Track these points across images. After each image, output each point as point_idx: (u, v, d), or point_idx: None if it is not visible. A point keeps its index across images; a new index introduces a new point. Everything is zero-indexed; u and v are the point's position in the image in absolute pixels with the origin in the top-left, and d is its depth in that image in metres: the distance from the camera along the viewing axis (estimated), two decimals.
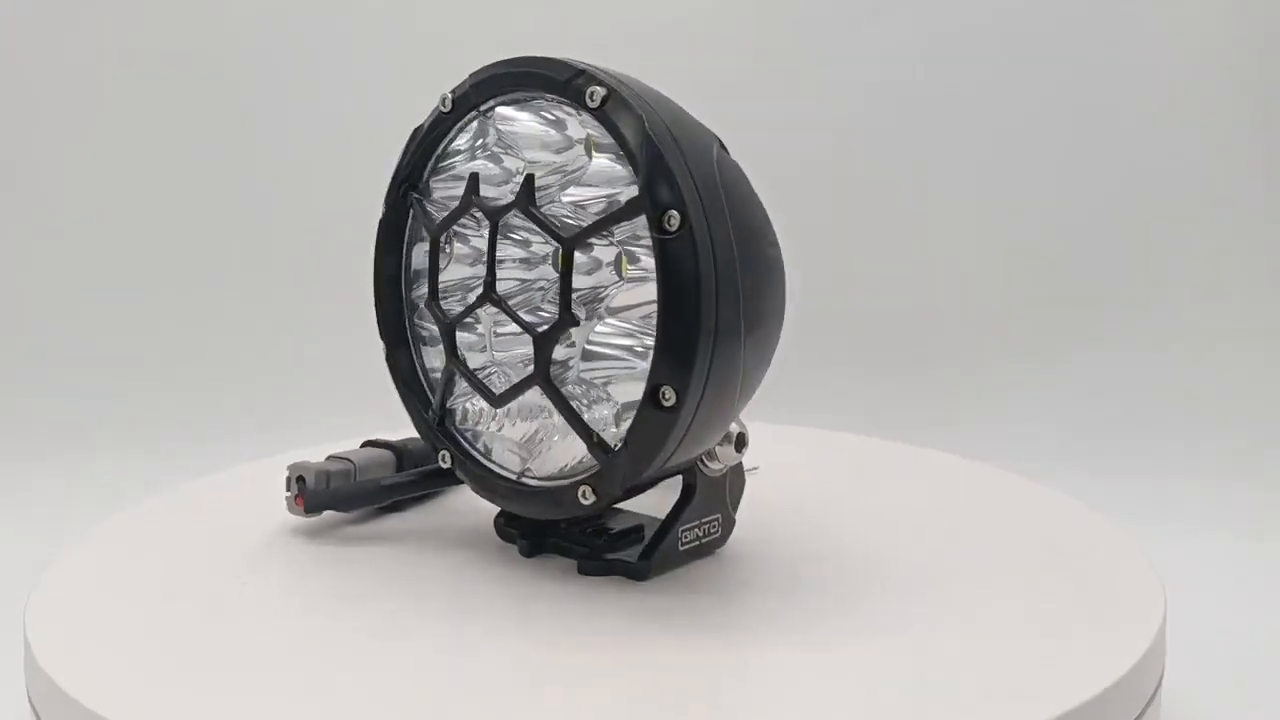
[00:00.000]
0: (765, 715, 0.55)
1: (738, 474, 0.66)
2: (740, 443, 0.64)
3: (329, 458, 0.72)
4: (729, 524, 0.67)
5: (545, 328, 0.61)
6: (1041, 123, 1.17)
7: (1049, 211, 1.18)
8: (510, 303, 0.63)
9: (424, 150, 0.66)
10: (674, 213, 0.57)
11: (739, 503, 0.67)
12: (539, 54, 0.61)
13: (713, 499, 0.65)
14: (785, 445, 0.79)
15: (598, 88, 0.59)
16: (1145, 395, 1.12)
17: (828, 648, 0.60)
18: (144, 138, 1.17)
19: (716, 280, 0.57)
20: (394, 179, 0.66)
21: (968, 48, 1.17)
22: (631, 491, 0.62)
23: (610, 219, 0.59)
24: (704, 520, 0.65)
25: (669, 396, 0.57)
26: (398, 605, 0.63)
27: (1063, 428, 1.10)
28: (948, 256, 1.18)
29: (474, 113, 0.64)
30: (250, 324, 1.16)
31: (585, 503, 0.61)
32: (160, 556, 0.69)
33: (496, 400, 0.63)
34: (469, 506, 0.70)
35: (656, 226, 0.57)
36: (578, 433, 0.61)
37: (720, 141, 0.60)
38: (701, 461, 0.64)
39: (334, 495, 0.70)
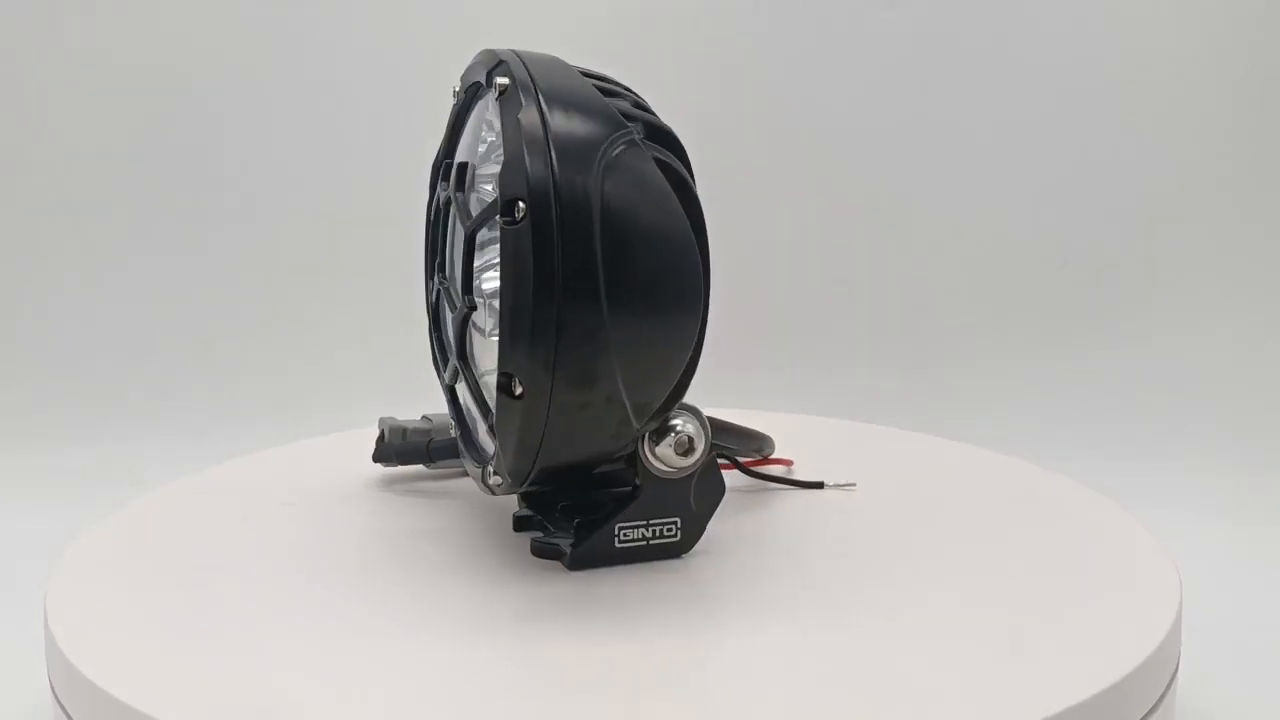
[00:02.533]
0: (764, 712, 0.55)
1: (709, 479, 0.65)
2: (682, 446, 0.63)
3: (421, 417, 0.76)
4: (694, 529, 0.65)
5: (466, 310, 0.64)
6: (1044, 115, 1.17)
7: (1055, 200, 1.17)
8: None
9: (449, 136, 0.69)
10: (522, 203, 0.57)
11: (712, 509, 0.66)
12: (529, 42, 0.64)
13: (667, 501, 0.64)
14: (792, 434, 0.78)
15: (502, 79, 0.60)
16: (1156, 384, 1.11)
17: (832, 637, 0.60)
18: (168, 123, 1.17)
19: (562, 274, 0.57)
20: (432, 165, 0.70)
21: (971, 40, 1.17)
22: (548, 480, 0.62)
23: (491, 208, 0.61)
24: (653, 521, 0.65)
25: (517, 386, 0.58)
26: (384, 591, 0.64)
27: (1074, 416, 1.10)
28: (951, 249, 1.18)
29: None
30: (274, 308, 1.16)
31: (491, 485, 0.62)
32: (180, 541, 0.70)
33: (443, 380, 0.66)
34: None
35: (506, 215, 0.57)
36: (480, 415, 0.63)
37: (637, 138, 0.60)
38: (646, 460, 0.63)
39: (396, 450, 0.75)
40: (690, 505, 0.65)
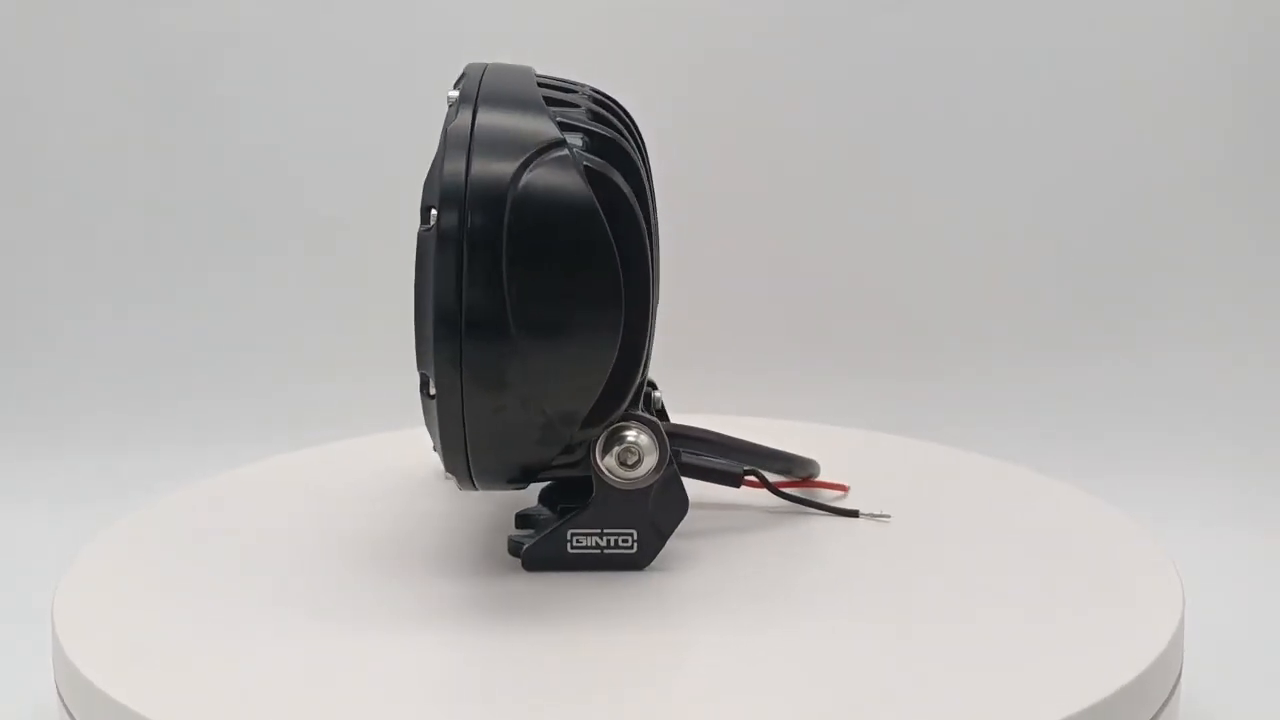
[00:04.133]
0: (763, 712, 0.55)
1: (669, 494, 0.65)
2: (629, 458, 0.63)
3: None
4: (652, 543, 0.65)
5: None
6: (1049, 123, 1.17)
7: (1062, 206, 1.17)
8: None
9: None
10: (434, 210, 0.59)
11: (672, 525, 0.65)
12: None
13: (623, 511, 0.64)
14: (794, 441, 0.79)
15: (452, 92, 0.62)
16: (1158, 391, 1.11)
17: (827, 642, 0.60)
18: (174, 128, 1.17)
19: (468, 280, 0.58)
20: None
21: (980, 41, 1.17)
22: (513, 480, 0.64)
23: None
24: (608, 530, 0.65)
25: (431, 387, 0.60)
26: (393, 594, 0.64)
27: (1076, 423, 1.10)
28: (956, 255, 1.18)
29: None
30: (284, 318, 1.16)
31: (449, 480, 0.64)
32: (187, 548, 0.70)
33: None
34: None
35: (423, 222, 0.59)
36: None
37: (570, 150, 0.60)
38: (596, 468, 0.63)
39: None
40: (648, 518, 0.65)
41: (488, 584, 0.65)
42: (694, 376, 0.89)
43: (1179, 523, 0.89)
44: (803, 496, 0.74)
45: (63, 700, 0.60)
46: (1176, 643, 0.60)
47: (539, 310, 0.59)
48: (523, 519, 0.68)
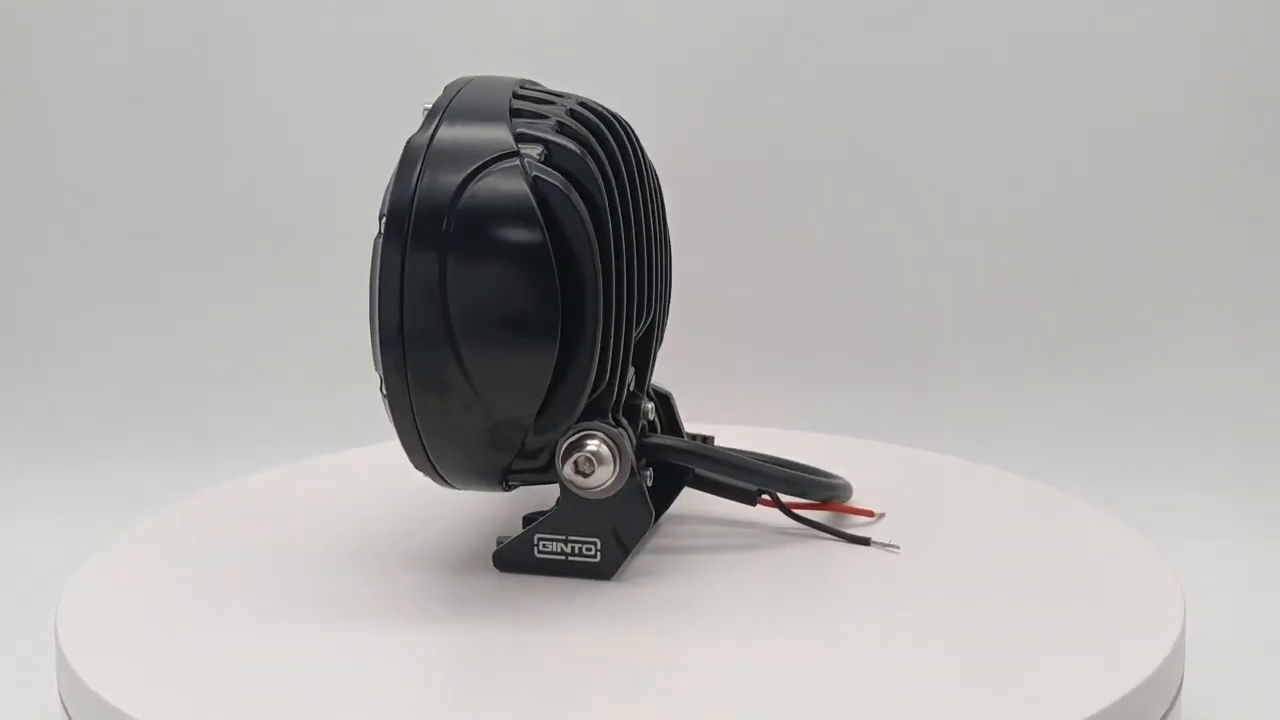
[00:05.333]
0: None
1: (629, 504, 0.65)
2: (583, 467, 0.63)
3: None
4: (615, 554, 0.65)
5: None
6: (1052, 132, 1.17)
7: (1064, 221, 1.17)
8: None
9: None
10: (384, 218, 0.61)
11: (635, 537, 0.65)
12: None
13: (586, 519, 0.65)
14: (793, 451, 0.79)
15: (427, 105, 0.64)
16: (1161, 403, 1.11)
17: (835, 648, 0.60)
18: (176, 134, 1.17)
19: (410, 285, 0.60)
20: None
21: (987, 53, 1.17)
22: (463, 481, 0.65)
23: None
24: (572, 538, 0.65)
25: (384, 386, 0.62)
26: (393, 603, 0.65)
27: (1076, 435, 1.10)
28: (958, 267, 1.17)
29: None
30: (291, 327, 1.16)
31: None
32: (193, 560, 0.70)
33: None
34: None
35: (378, 229, 0.62)
36: None
37: (523, 160, 0.61)
38: (560, 475, 0.64)
39: None
40: (610, 528, 0.65)
41: (506, 589, 0.65)
42: (715, 387, 0.89)
43: (1180, 533, 0.89)
44: (812, 519, 0.72)
45: (66, 711, 0.60)
46: (1177, 653, 0.61)
47: (475, 317, 0.60)
48: (528, 521, 0.69)
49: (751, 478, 0.71)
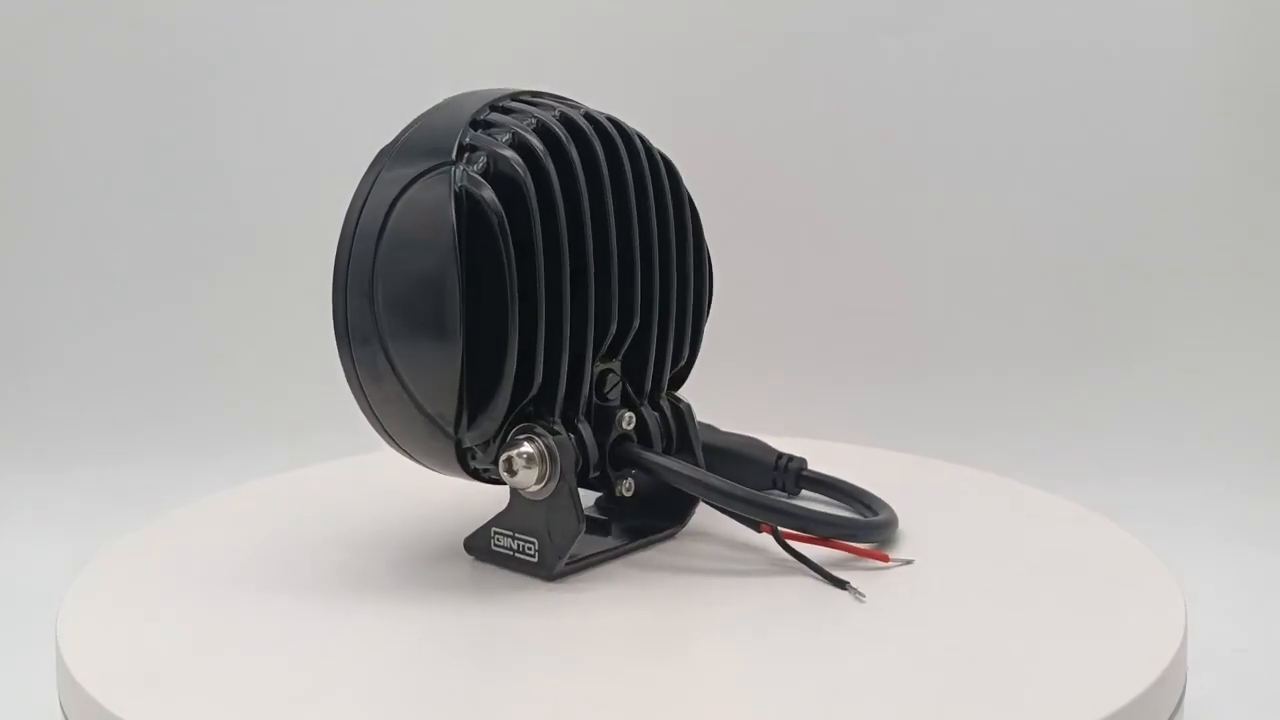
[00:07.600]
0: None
1: (559, 510, 0.65)
2: (509, 465, 0.64)
3: None
4: (550, 556, 0.66)
5: None
6: (1055, 133, 1.17)
7: (1067, 217, 1.17)
8: None
9: None
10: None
11: (567, 542, 0.66)
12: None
13: (527, 518, 0.66)
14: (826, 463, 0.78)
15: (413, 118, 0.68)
16: (1162, 405, 1.11)
17: (834, 654, 0.60)
18: (176, 139, 1.17)
19: (348, 282, 0.65)
20: None
21: (983, 52, 1.17)
22: (439, 469, 0.67)
23: None
24: (518, 534, 0.67)
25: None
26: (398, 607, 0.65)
27: (1076, 438, 1.10)
28: (956, 267, 1.18)
29: None
30: (292, 331, 1.16)
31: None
32: (193, 565, 0.70)
33: None
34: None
35: None
36: None
37: (454, 170, 0.63)
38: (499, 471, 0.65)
39: None
40: (545, 533, 0.66)
41: (515, 601, 0.65)
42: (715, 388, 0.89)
43: (1182, 537, 0.90)
44: (803, 556, 0.68)
45: (66, 719, 0.60)
46: (1180, 658, 0.60)
47: (393, 315, 0.63)
48: None
49: (728, 502, 0.68)
